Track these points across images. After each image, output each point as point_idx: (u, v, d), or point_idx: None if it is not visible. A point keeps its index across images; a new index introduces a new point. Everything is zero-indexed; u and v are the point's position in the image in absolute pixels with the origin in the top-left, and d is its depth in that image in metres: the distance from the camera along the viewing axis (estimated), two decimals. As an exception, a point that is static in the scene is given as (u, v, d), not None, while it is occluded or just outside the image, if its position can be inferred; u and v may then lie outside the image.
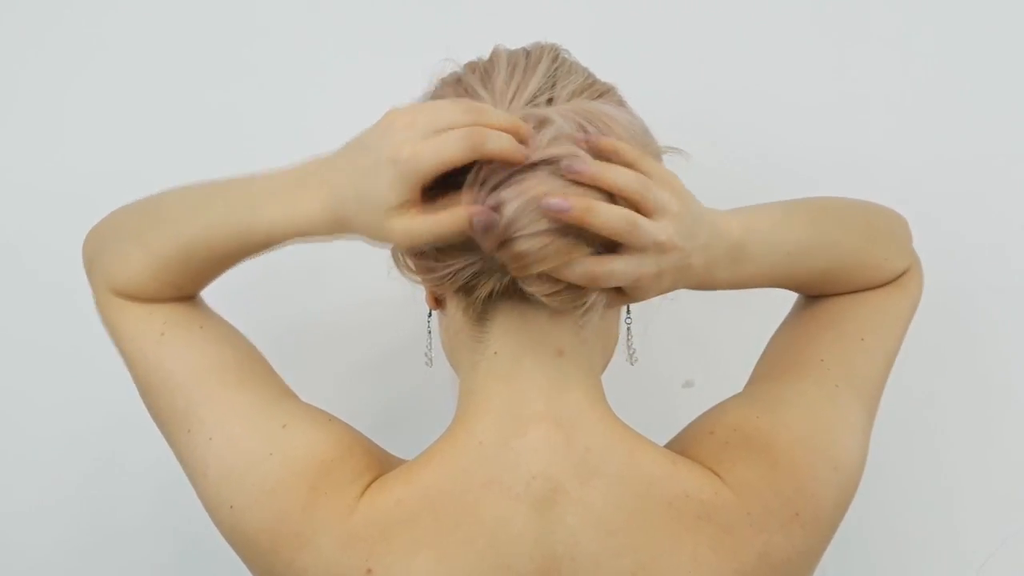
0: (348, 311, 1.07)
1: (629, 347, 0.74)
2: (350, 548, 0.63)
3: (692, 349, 0.93)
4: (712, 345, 0.96)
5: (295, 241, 0.67)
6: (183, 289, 0.73)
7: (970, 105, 1.04)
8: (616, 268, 0.60)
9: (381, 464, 0.68)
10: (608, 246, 0.60)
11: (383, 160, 0.58)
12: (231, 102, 1.06)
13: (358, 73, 1.04)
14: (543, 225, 0.59)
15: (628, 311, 0.74)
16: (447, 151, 0.57)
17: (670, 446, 0.70)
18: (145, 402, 0.73)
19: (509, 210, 0.58)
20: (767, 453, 0.66)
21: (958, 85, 1.04)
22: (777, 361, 0.77)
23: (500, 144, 0.58)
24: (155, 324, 0.71)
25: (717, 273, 0.66)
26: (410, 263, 0.68)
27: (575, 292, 0.62)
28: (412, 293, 0.72)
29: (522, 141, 0.59)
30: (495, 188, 0.59)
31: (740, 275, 0.69)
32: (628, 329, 0.74)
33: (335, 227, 0.63)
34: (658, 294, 0.64)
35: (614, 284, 0.61)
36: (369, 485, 0.65)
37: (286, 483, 0.65)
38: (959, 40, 1.04)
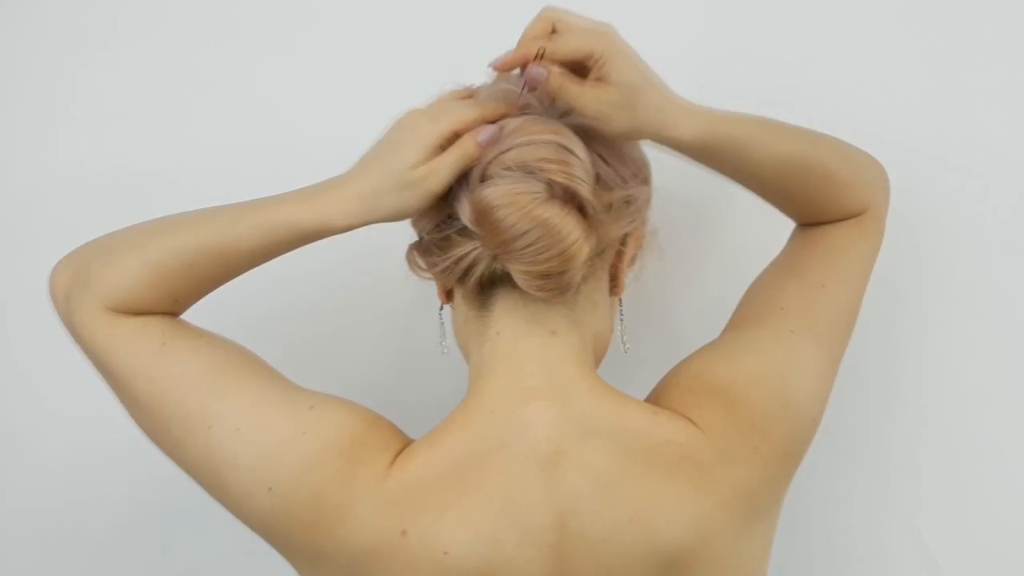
0: (352, 309, 1.11)
1: (622, 337, 0.82)
2: (386, 512, 0.69)
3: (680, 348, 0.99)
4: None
5: (314, 237, 0.73)
6: (179, 302, 0.75)
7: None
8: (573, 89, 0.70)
9: (404, 438, 0.74)
10: (558, 194, 0.69)
11: (401, 135, 0.71)
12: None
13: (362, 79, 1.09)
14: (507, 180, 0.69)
15: (621, 303, 0.82)
16: (457, 117, 0.71)
17: (648, 400, 0.78)
18: (144, 417, 0.73)
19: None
20: (725, 395, 0.74)
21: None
22: (745, 311, 0.85)
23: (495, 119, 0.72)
24: (154, 335, 0.73)
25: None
26: (420, 262, 0.77)
27: (553, 279, 0.70)
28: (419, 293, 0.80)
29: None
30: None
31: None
32: (621, 322, 0.82)
33: (362, 209, 0.71)
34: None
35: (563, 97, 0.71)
36: (398, 454, 0.71)
37: (323, 458, 0.69)
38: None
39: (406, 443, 0.73)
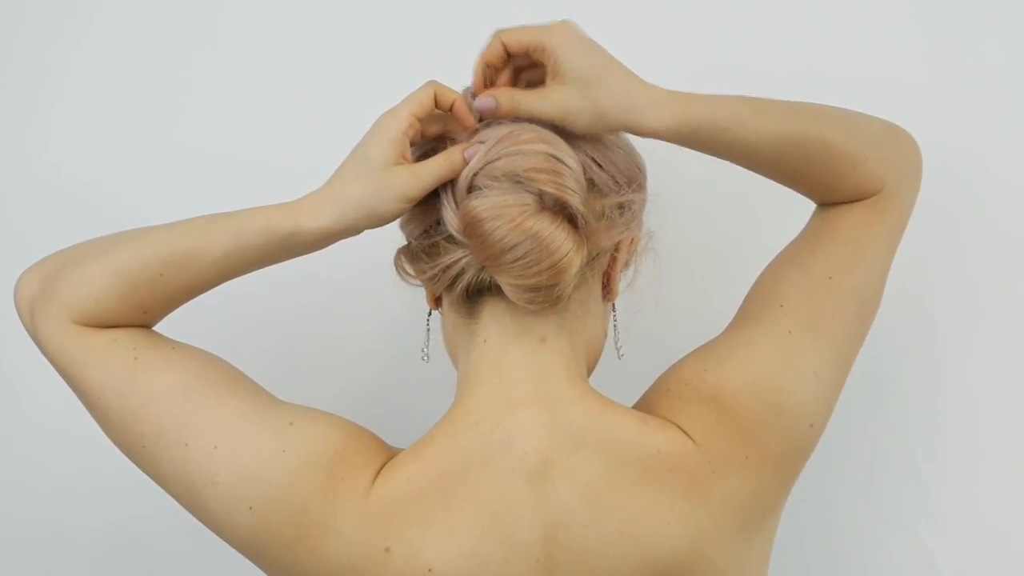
0: (343, 312, 1.11)
1: (616, 342, 0.81)
2: (369, 529, 0.68)
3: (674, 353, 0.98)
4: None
5: (287, 241, 0.70)
6: (149, 313, 0.73)
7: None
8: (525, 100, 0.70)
9: (388, 450, 0.73)
10: (548, 205, 0.68)
11: (367, 135, 0.70)
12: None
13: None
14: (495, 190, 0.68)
15: (614, 308, 0.80)
16: (413, 100, 0.70)
17: (639, 404, 0.77)
18: (116, 433, 0.72)
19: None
20: (714, 403, 0.72)
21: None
22: (746, 307, 0.81)
23: (454, 96, 0.71)
24: (125, 349, 0.71)
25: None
26: (408, 268, 0.76)
27: (543, 292, 0.69)
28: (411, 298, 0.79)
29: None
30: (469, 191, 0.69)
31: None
32: (615, 327, 0.81)
33: (336, 210, 0.70)
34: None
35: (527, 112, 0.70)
36: (381, 468, 0.70)
37: (304, 475, 0.68)
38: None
39: (390, 456, 0.72)
